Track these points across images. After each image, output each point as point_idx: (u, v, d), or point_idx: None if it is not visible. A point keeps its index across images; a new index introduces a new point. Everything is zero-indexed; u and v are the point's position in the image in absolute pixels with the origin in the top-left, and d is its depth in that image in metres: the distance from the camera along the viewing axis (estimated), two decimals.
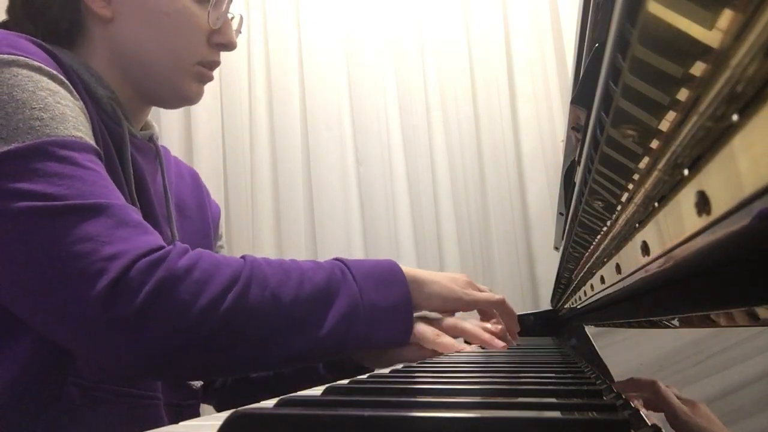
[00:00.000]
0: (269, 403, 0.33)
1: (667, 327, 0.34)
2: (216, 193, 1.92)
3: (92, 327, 0.52)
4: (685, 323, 0.30)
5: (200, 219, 0.90)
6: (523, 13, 2.00)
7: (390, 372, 0.55)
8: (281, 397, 0.32)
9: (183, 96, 0.79)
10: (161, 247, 0.55)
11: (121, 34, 0.73)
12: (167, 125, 1.88)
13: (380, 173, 2.00)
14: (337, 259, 0.68)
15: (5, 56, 0.58)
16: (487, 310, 0.81)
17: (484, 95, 2.01)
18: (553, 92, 1.97)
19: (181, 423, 0.34)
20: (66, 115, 0.58)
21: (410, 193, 1.97)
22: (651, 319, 0.39)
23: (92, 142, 0.60)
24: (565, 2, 1.95)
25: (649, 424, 0.27)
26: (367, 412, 0.25)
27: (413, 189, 1.98)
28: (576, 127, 0.49)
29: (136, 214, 0.57)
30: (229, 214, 1.98)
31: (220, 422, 0.25)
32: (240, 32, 0.83)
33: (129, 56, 0.74)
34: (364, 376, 0.51)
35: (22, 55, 0.59)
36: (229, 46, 0.79)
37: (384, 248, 1.97)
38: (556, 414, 0.26)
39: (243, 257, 0.61)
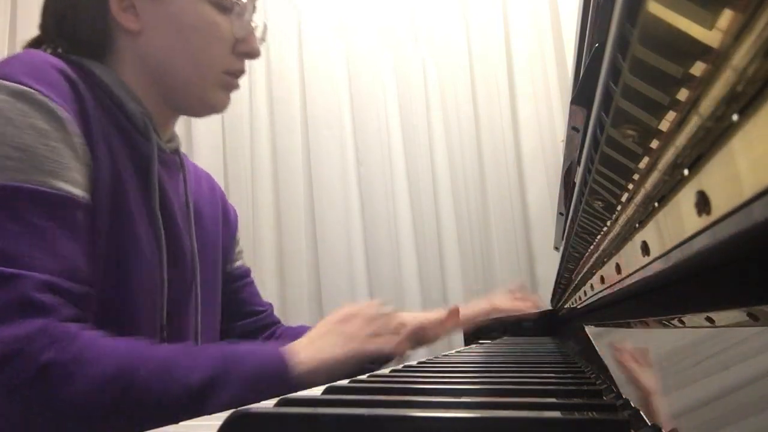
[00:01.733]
0: (269, 402, 0.33)
1: (667, 327, 0.34)
2: None
3: None
4: (685, 323, 0.30)
5: (214, 227, 0.91)
6: (523, 13, 2.01)
7: (390, 372, 0.55)
8: (281, 396, 0.32)
9: (210, 104, 0.81)
10: (34, 335, 0.53)
11: (148, 46, 0.75)
12: None
13: (380, 173, 2.00)
14: (222, 352, 0.64)
15: (16, 86, 0.61)
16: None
17: (484, 95, 2.01)
18: (553, 92, 1.97)
19: (181, 423, 0.34)
20: (44, 158, 0.59)
21: (410, 193, 1.97)
22: (651, 319, 0.39)
23: (68, 186, 0.61)
24: (565, 2, 1.95)
25: (649, 424, 0.27)
26: (366, 412, 0.25)
27: (413, 188, 1.98)
28: (576, 127, 0.49)
29: (41, 291, 0.56)
30: None
31: (220, 422, 0.25)
32: (264, 40, 0.85)
33: (157, 68, 0.76)
34: (364, 376, 0.52)
35: (33, 87, 0.61)
36: (253, 54, 0.81)
37: (384, 248, 1.97)
38: (556, 414, 0.26)
39: (124, 344, 0.58)
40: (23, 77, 0.61)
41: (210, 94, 0.80)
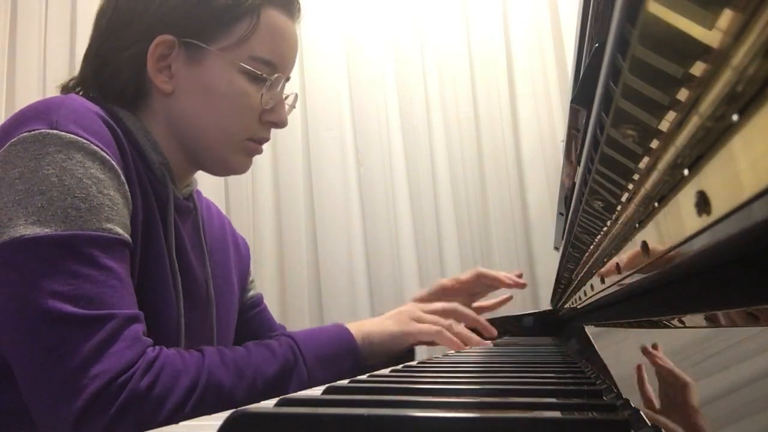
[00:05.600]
0: (269, 402, 0.33)
1: (667, 327, 0.35)
2: (216, 194, 1.93)
3: None
4: (685, 323, 0.30)
5: (225, 263, 0.94)
6: (523, 13, 2.01)
7: (390, 372, 0.55)
8: (281, 396, 0.32)
9: (229, 168, 0.84)
10: (134, 363, 0.59)
11: (178, 107, 0.78)
12: None
13: (380, 173, 2.00)
14: (290, 337, 0.75)
15: (68, 135, 0.63)
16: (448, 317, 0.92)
17: (484, 95, 2.01)
18: (553, 92, 1.97)
19: (181, 423, 0.34)
20: (103, 206, 0.63)
21: (410, 194, 1.97)
22: (651, 319, 0.39)
23: (122, 231, 0.65)
24: (565, 2, 1.95)
25: (649, 424, 0.27)
26: (366, 412, 0.25)
27: (413, 189, 1.98)
28: (576, 127, 0.49)
29: (130, 325, 0.61)
30: (229, 214, 1.98)
31: (220, 422, 0.25)
32: (294, 107, 0.87)
33: (183, 128, 0.79)
34: (364, 376, 0.52)
35: (83, 137, 0.64)
36: (280, 124, 0.83)
37: (384, 249, 1.97)
38: (556, 414, 0.26)
39: (202, 355, 0.65)
40: (73, 126, 0.64)
41: (231, 158, 0.82)
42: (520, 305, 1.86)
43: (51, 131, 0.63)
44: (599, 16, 0.38)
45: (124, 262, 0.64)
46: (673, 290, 0.34)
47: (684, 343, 0.29)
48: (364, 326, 0.83)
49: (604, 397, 0.35)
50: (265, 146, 0.85)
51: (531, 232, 1.92)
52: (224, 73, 0.77)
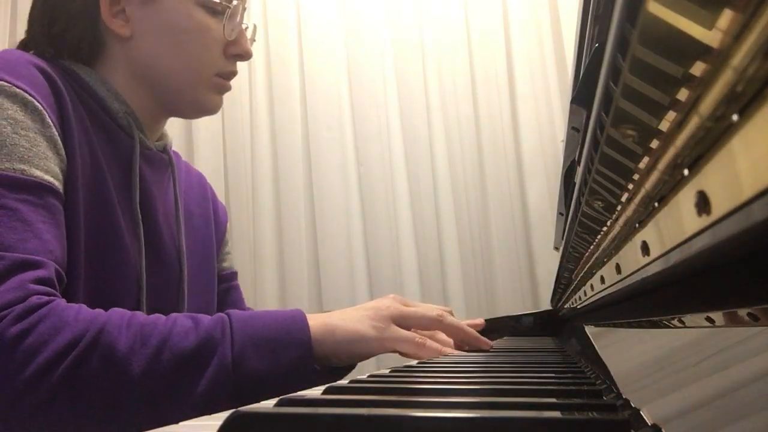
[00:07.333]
0: (269, 402, 0.33)
1: (667, 327, 0.34)
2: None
3: None
4: (685, 323, 0.30)
5: (205, 227, 0.91)
6: (523, 13, 2.01)
7: (390, 372, 0.55)
8: (281, 396, 0.32)
9: (202, 108, 0.82)
10: (8, 307, 0.53)
11: (140, 51, 0.76)
12: (168, 126, 1.88)
13: (381, 174, 2.00)
14: (227, 314, 0.62)
15: None
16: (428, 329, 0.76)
17: (484, 95, 2.01)
18: (553, 92, 1.97)
19: (181, 423, 0.34)
20: (17, 146, 0.60)
21: (411, 194, 1.97)
22: (651, 319, 0.39)
23: (40, 173, 0.61)
24: (565, 2, 1.95)
25: (649, 424, 0.27)
26: (366, 412, 0.25)
27: (413, 189, 1.98)
28: (576, 127, 0.49)
29: (22, 270, 0.55)
30: (230, 214, 1.98)
31: (220, 422, 0.25)
32: (254, 40, 0.86)
33: (148, 72, 0.77)
34: (364, 376, 0.51)
35: (5, 80, 0.62)
36: (245, 56, 0.82)
37: (384, 249, 1.97)
38: (556, 414, 0.26)
39: (106, 314, 0.57)
40: None
41: (202, 97, 0.80)
42: (520, 305, 1.86)
43: None
44: (599, 16, 0.38)
45: (39, 205, 0.60)
46: (673, 290, 0.34)
47: (684, 343, 0.29)
48: (330, 318, 0.67)
49: (604, 397, 0.35)
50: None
51: (531, 232, 1.92)
52: (181, 7, 0.75)
